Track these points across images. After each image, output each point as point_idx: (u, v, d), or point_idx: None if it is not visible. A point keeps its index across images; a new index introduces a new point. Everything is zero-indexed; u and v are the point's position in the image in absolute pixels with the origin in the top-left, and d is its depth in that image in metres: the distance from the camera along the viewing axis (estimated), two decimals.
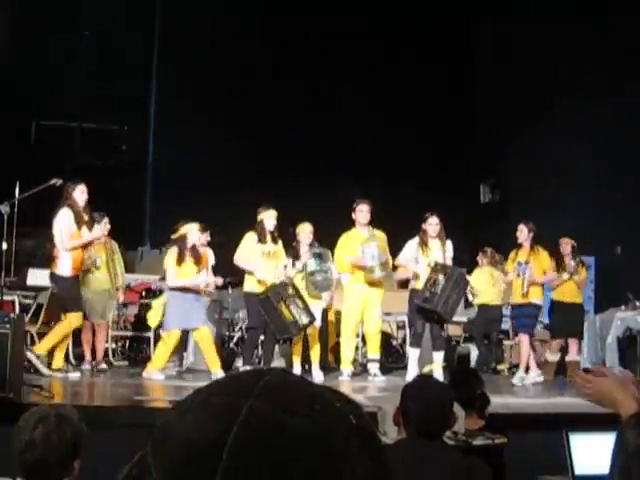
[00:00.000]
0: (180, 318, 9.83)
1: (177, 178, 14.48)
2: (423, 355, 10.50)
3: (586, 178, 13.53)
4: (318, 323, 10.39)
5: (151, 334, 11.15)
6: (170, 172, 14.54)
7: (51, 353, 9.52)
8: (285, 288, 9.91)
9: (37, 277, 11.75)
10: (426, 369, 10.33)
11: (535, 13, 14.44)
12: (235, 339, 11.75)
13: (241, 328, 11.63)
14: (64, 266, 9.37)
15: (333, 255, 10.49)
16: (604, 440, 4.06)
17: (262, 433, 0.91)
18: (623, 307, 11.83)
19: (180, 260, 9.92)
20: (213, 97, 14.88)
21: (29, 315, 10.17)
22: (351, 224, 10.68)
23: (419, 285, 10.28)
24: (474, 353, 12.01)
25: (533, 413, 7.71)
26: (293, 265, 10.39)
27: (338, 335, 11.41)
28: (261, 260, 10.28)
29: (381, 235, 10.58)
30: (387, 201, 12.00)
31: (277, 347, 11.07)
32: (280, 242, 10.49)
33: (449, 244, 10.53)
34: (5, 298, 10.66)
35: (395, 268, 10.87)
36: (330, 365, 11.11)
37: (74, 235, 9.38)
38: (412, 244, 10.50)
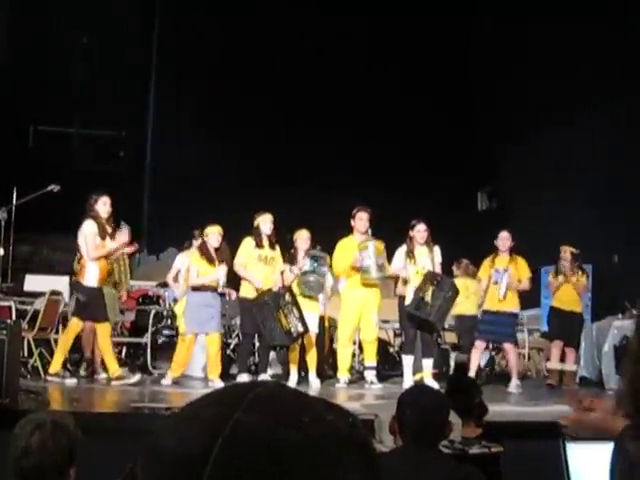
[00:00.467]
0: (196, 323, 9.96)
1: (175, 184, 14.49)
2: (417, 362, 10.53)
3: (583, 186, 13.54)
4: (315, 330, 10.39)
5: (148, 340, 11.15)
6: (168, 178, 14.56)
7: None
8: (283, 296, 9.93)
9: (34, 283, 11.76)
10: (417, 377, 10.34)
11: (533, 20, 14.46)
12: (232, 346, 11.75)
13: (238, 335, 11.63)
14: (90, 276, 9.55)
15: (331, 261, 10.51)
16: (601, 450, 4.06)
17: (249, 445, 0.90)
18: (620, 315, 11.83)
19: (201, 259, 10.09)
20: (211, 103, 14.88)
21: (26, 321, 10.14)
22: (349, 231, 10.69)
23: (409, 292, 10.32)
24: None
25: (529, 422, 7.70)
26: (290, 270, 10.40)
27: (332, 342, 11.42)
28: (259, 265, 10.32)
29: (378, 241, 10.58)
30: (385, 209, 11.98)
31: (274, 354, 11.07)
32: (278, 247, 10.51)
33: (437, 250, 10.58)
34: (1, 304, 10.70)
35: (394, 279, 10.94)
36: (327, 372, 11.10)
37: (99, 245, 9.52)
38: (400, 252, 10.54)
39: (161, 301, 12.14)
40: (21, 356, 9.76)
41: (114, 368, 9.70)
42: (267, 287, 10.19)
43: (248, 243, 10.40)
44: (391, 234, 10.78)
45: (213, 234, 10.18)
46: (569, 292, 11.32)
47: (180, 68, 15.21)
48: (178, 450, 0.93)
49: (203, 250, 10.13)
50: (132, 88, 15.20)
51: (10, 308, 10.64)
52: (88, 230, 9.50)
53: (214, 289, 10.17)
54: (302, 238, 10.49)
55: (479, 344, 10.80)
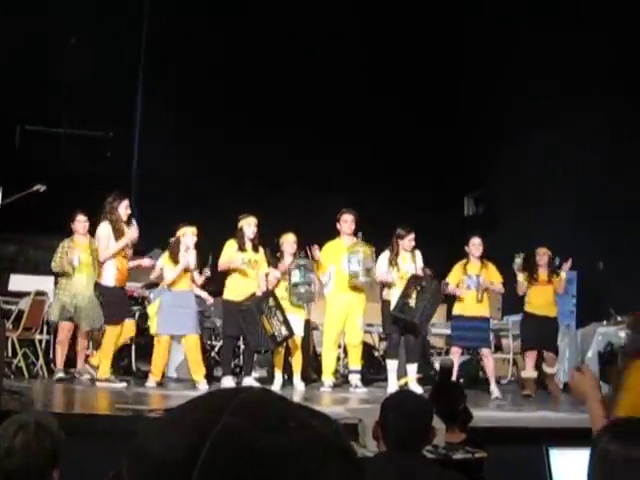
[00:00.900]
0: (170, 324, 9.93)
1: (161, 185, 14.46)
2: (401, 366, 10.55)
3: (569, 193, 13.58)
4: (300, 334, 10.40)
5: (132, 341, 11.13)
6: (154, 179, 14.52)
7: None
8: (266, 301, 9.93)
9: (19, 283, 11.73)
10: (401, 382, 10.36)
11: (524, 26, 14.49)
12: (217, 348, 11.74)
13: (222, 337, 11.62)
14: (107, 276, 9.88)
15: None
16: (584, 456, 4.07)
17: (233, 450, 0.90)
18: (605, 322, 11.86)
19: (175, 262, 10.06)
20: (199, 104, 14.86)
21: (10, 321, 10.11)
22: (336, 234, 10.71)
23: (393, 297, 10.35)
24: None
25: (513, 427, 7.72)
26: (275, 275, 10.41)
27: (316, 345, 11.44)
28: (242, 268, 10.31)
29: (366, 245, 10.60)
30: (371, 213, 11.99)
31: (258, 357, 11.07)
32: (261, 250, 10.50)
33: (419, 255, 10.65)
34: None
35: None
36: (311, 376, 11.10)
37: (114, 247, 9.83)
38: (383, 258, 10.57)
39: (146, 302, 12.10)
40: (5, 356, 9.74)
41: (105, 370, 9.78)
42: (250, 291, 10.19)
43: (231, 246, 10.40)
44: (377, 238, 10.80)
45: (187, 234, 10.15)
46: (543, 297, 11.03)
47: (168, 69, 15.18)
48: (164, 454, 0.93)
49: (171, 252, 10.10)
50: (120, 88, 15.15)
51: None
52: (102, 232, 9.84)
53: (189, 290, 10.14)
54: (288, 242, 10.49)
55: (455, 350, 10.80)
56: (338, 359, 11.28)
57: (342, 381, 11.10)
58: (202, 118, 14.80)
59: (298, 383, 10.33)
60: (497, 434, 6.79)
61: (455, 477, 3.46)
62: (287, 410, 0.97)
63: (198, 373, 9.99)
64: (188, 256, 10.07)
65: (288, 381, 10.46)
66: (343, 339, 10.91)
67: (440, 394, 5.26)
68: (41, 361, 10.34)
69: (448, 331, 11.64)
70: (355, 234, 10.62)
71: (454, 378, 10.20)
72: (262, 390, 1.03)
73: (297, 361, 10.45)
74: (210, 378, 10.21)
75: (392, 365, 10.52)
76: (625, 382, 3.50)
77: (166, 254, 10.21)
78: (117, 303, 9.93)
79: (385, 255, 10.58)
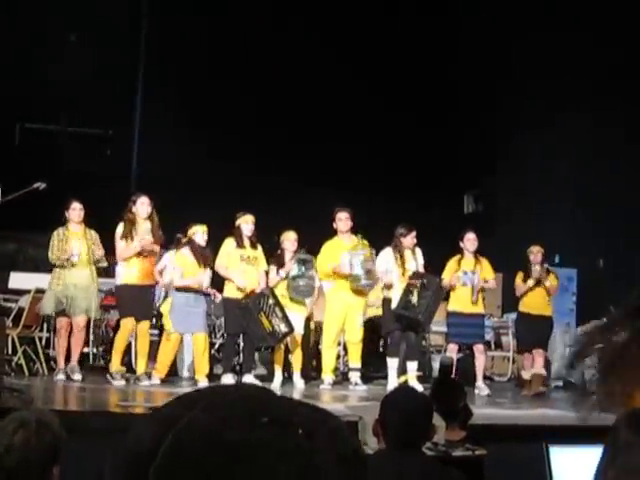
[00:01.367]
0: (181, 322, 9.94)
1: (161, 184, 14.44)
2: (401, 364, 10.55)
3: (569, 191, 13.59)
4: (300, 331, 10.40)
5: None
6: (154, 177, 14.50)
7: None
8: (266, 298, 9.93)
9: (19, 281, 11.73)
10: (401, 379, 10.36)
11: (524, 24, 14.49)
12: (217, 345, 11.74)
13: (223, 334, 11.62)
14: (119, 274, 10.03)
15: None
16: (584, 453, 4.06)
17: (195, 443, 0.91)
18: (604, 320, 11.85)
19: (185, 261, 10.08)
20: (198, 103, 14.86)
21: (10, 319, 10.11)
22: (332, 233, 10.71)
23: (393, 294, 10.35)
24: None
25: (513, 425, 7.72)
26: (277, 273, 10.40)
27: (318, 344, 11.43)
28: (240, 265, 10.31)
29: (367, 244, 10.61)
30: (371, 211, 12.02)
31: (258, 354, 11.07)
32: (260, 247, 10.51)
33: (419, 252, 10.65)
34: None
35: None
36: (311, 374, 11.10)
37: (125, 246, 9.94)
38: (384, 256, 10.56)
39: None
40: (5, 354, 9.74)
41: (116, 365, 9.90)
42: (249, 288, 10.19)
43: (229, 243, 10.41)
44: (377, 236, 10.80)
45: (199, 233, 10.17)
46: (538, 296, 10.97)
47: (168, 67, 15.17)
48: (133, 447, 0.95)
49: (193, 250, 10.12)
50: (119, 87, 15.16)
51: None
52: (116, 232, 9.96)
53: (199, 290, 10.17)
54: (289, 240, 10.50)
55: (452, 347, 10.80)
56: (338, 357, 11.28)
57: (342, 378, 11.10)
58: (201, 116, 14.80)
59: (298, 381, 10.33)
60: (497, 431, 6.79)
61: (455, 474, 3.46)
62: (268, 407, 0.96)
63: (201, 371, 10.03)
64: (203, 275, 10.10)
65: (288, 378, 10.46)
66: (343, 337, 10.91)
67: (440, 391, 5.26)
68: (41, 358, 10.34)
69: (446, 329, 11.60)
70: (352, 231, 10.62)
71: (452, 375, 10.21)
72: (253, 388, 1.03)
73: (297, 358, 10.45)
74: (210, 376, 10.22)
75: (392, 363, 10.51)
76: None
77: (180, 256, 10.18)
78: (128, 300, 9.94)
79: (385, 253, 10.57)
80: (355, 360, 10.69)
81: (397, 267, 10.44)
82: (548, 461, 3.99)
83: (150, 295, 10.25)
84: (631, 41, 12.66)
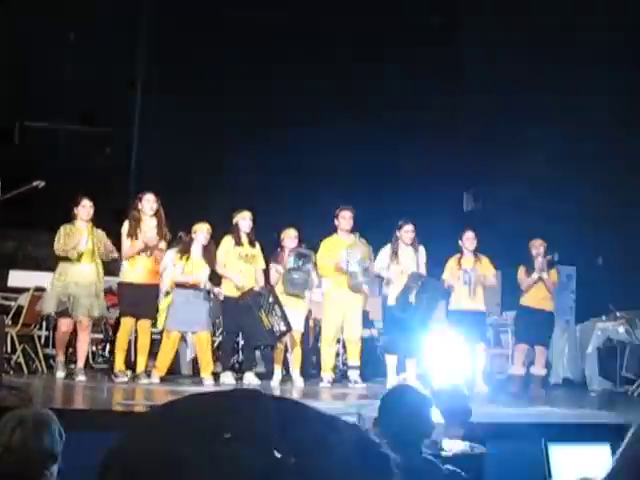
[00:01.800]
0: (181, 320, 9.92)
1: (160, 182, 14.43)
2: (400, 362, 10.55)
3: (568, 189, 13.57)
4: (300, 329, 10.40)
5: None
6: (154, 176, 14.49)
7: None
8: (266, 296, 9.93)
9: (18, 279, 11.73)
10: (400, 377, 10.37)
11: (521, 23, 14.48)
12: (216, 344, 11.74)
13: (222, 333, 11.62)
14: (122, 272, 10.09)
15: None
16: (582, 451, 4.07)
17: (148, 454, 0.91)
18: (604, 317, 11.85)
19: (186, 259, 10.06)
20: (198, 102, 14.85)
21: (9, 317, 10.11)
22: (334, 230, 10.72)
23: (391, 292, 10.35)
24: None
25: (512, 423, 7.72)
26: (277, 271, 10.40)
27: (317, 341, 11.43)
28: (239, 263, 10.31)
29: (365, 243, 10.62)
30: (370, 208, 12.01)
31: (258, 353, 11.07)
32: (258, 245, 10.51)
33: (422, 251, 10.63)
34: None
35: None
36: (310, 371, 11.11)
37: (130, 245, 9.98)
38: (384, 252, 10.57)
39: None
40: (4, 352, 9.74)
41: (119, 363, 9.93)
42: (248, 285, 10.18)
43: (227, 241, 10.41)
44: (376, 234, 10.80)
45: (202, 232, 10.17)
46: (540, 290, 10.87)
47: (168, 65, 15.15)
48: (109, 450, 0.96)
49: (188, 248, 10.11)
50: (119, 85, 15.15)
51: None
52: (122, 230, 10.01)
53: (200, 287, 10.17)
54: (290, 237, 10.50)
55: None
56: (337, 355, 11.28)
57: (341, 377, 11.10)
58: (201, 115, 14.79)
59: (297, 378, 10.33)
60: (496, 430, 6.79)
61: (454, 473, 3.46)
62: (238, 421, 0.95)
63: (206, 370, 10.03)
64: (202, 274, 10.09)
65: (287, 376, 10.46)
66: (342, 335, 10.91)
67: (439, 390, 5.26)
68: (40, 357, 10.34)
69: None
70: (351, 230, 10.64)
71: None
72: (249, 396, 1.02)
73: (296, 356, 10.45)
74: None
75: (391, 361, 10.52)
76: None
77: (175, 251, 10.18)
78: (129, 299, 9.96)
79: (386, 249, 10.58)
80: (354, 358, 10.69)
81: (394, 264, 10.45)
82: (547, 459, 4.00)
83: (154, 294, 10.21)
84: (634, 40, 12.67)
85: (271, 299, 9.92)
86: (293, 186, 14.51)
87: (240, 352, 11.27)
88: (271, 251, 10.66)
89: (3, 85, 13.87)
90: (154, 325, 10.41)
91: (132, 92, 15.84)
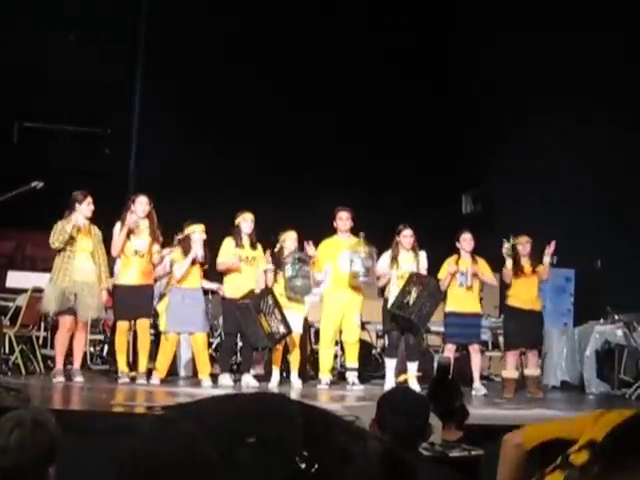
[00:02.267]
0: (178, 321, 9.93)
1: (159, 183, 14.43)
2: (399, 364, 10.54)
3: (568, 191, 13.57)
4: (299, 331, 10.40)
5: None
6: (152, 177, 14.49)
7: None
8: (265, 299, 9.93)
9: (16, 279, 11.73)
10: (401, 379, 10.37)
11: (520, 22, 14.48)
12: (214, 345, 11.75)
13: (220, 334, 11.63)
14: (117, 275, 10.14)
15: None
16: None
17: (169, 453, 0.90)
18: (602, 320, 11.85)
19: (182, 259, 10.08)
20: (198, 101, 14.86)
21: (7, 318, 10.11)
22: (332, 232, 10.73)
23: (391, 295, 10.35)
24: None
25: (510, 425, 7.70)
26: (276, 273, 10.40)
27: (315, 343, 11.44)
28: (239, 265, 10.31)
29: (367, 243, 10.62)
30: (370, 211, 12.01)
31: (256, 354, 11.06)
32: (260, 247, 10.51)
33: (423, 255, 10.61)
34: None
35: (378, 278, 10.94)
36: (308, 373, 11.10)
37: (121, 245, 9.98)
38: (385, 256, 10.57)
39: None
40: (2, 353, 9.74)
41: (122, 365, 9.95)
42: (248, 288, 10.19)
43: (228, 243, 10.41)
44: (374, 236, 10.80)
45: (196, 232, 10.17)
46: (528, 290, 10.66)
47: (166, 66, 15.15)
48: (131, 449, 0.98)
49: (187, 250, 10.11)
50: (118, 85, 15.14)
51: None
52: (114, 231, 9.99)
53: (198, 287, 10.17)
54: (291, 239, 10.50)
55: (450, 347, 10.75)
56: (335, 356, 11.28)
57: (339, 379, 11.09)
58: (200, 115, 14.80)
59: (295, 380, 10.33)
60: (494, 432, 6.78)
61: (452, 475, 3.45)
62: (261, 426, 0.94)
63: (204, 371, 10.04)
64: (197, 248, 10.08)
65: (286, 378, 10.46)
66: (340, 336, 10.91)
67: (437, 392, 5.25)
68: (38, 358, 10.33)
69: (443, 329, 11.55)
70: (352, 231, 10.64)
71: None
72: (275, 398, 1.01)
73: (295, 358, 10.45)
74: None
75: (390, 363, 10.52)
76: None
77: (176, 251, 10.18)
78: (123, 302, 9.95)
79: (387, 254, 10.58)
80: (352, 360, 10.69)
81: (394, 269, 10.45)
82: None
83: (149, 294, 10.22)
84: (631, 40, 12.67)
85: (270, 302, 9.92)
86: (293, 187, 14.50)
87: (238, 354, 11.27)
88: (270, 253, 10.65)
89: (2, 85, 13.86)
90: (155, 327, 10.44)
91: (131, 92, 15.83)
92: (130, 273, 9.93)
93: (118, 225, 9.99)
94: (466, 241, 10.76)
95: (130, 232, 9.92)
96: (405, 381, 10.27)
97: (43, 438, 3.08)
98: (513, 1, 14.64)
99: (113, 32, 14.65)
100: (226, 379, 10.05)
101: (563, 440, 2.79)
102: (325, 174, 14.64)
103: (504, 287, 11.08)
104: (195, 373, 10.52)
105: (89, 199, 9.90)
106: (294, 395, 9.37)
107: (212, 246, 10.46)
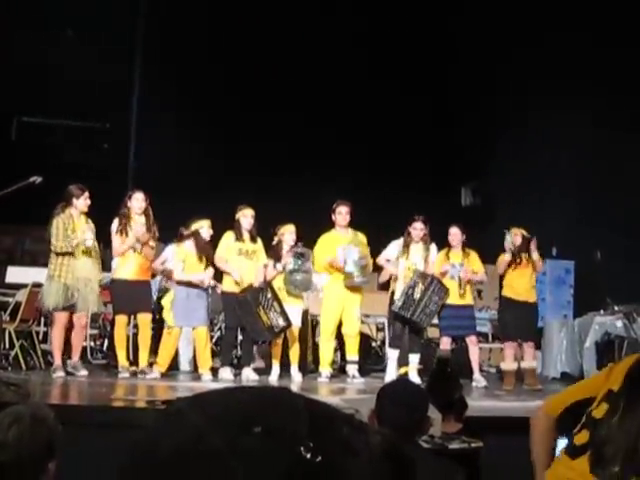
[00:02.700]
0: (183, 315, 9.96)
1: (159, 178, 14.45)
2: (402, 356, 10.54)
3: (568, 183, 13.58)
4: (298, 324, 10.41)
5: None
6: (152, 171, 14.50)
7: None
8: (264, 293, 9.95)
9: (16, 275, 11.73)
10: (402, 371, 10.37)
11: (519, 20, 14.48)
12: (214, 339, 11.75)
13: (220, 328, 11.64)
14: (115, 270, 10.15)
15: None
16: None
17: (174, 442, 0.91)
18: (602, 312, 11.86)
19: (186, 255, 10.11)
20: (197, 96, 14.85)
21: (7, 313, 10.11)
22: (331, 226, 10.72)
23: (398, 288, 10.34)
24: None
25: (510, 417, 7.72)
26: (274, 266, 10.40)
27: (315, 336, 11.44)
28: (239, 259, 10.32)
29: (362, 239, 10.62)
30: (368, 203, 12.01)
31: (256, 348, 11.08)
32: (260, 241, 10.52)
33: (433, 248, 10.61)
34: None
35: (377, 269, 10.94)
36: (309, 366, 11.11)
37: (121, 241, 10.01)
38: (395, 245, 10.56)
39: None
40: (2, 348, 9.75)
41: (122, 360, 9.97)
42: (248, 281, 10.20)
43: (228, 237, 10.43)
44: (373, 228, 10.80)
45: (204, 227, 10.21)
46: (523, 281, 10.62)
47: (166, 61, 15.14)
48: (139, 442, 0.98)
49: (197, 244, 10.13)
50: (117, 80, 15.13)
51: None
52: (111, 228, 10.02)
53: (199, 284, 10.18)
54: (289, 232, 10.51)
55: (445, 340, 10.74)
56: (335, 350, 11.28)
57: (339, 372, 11.09)
58: (199, 111, 14.78)
59: (295, 374, 10.34)
60: (494, 424, 6.79)
61: (451, 467, 3.46)
62: (267, 415, 0.95)
63: (205, 365, 10.07)
64: (205, 275, 10.13)
65: (286, 372, 10.47)
66: (340, 329, 10.91)
67: (436, 384, 5.26)
68: (38, 353, 10.33)
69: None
70: (350, 225, 10.64)
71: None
72: (277, 393, 1.02)
73: (294, 352, 10.46)
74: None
75: (393, 354, 10.51)
76: None
77: (182, 250, 10.17)
78: (122, 296, 9.96)
79: (398, 242, 10.56)
80: (352, 353, 10.69)
81: (404, 258, 10.46)
82: None
83: (148, 289, 10.24)
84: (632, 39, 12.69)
85: (269, 295, 9.93)
86: (292, 183, 14.49)
87: (238, 347, 11.28)
88: (268, 247, 10.66)
89: (0, 80, 13.85)
90: (159, 321, 10.47)
91: (130, 87, 15.82)
92: (128, 268, 9.95)
93: (116, 222, 10.00)
94: (453, 235, 10.76)
95: (126, 227, 9.94)
96: (405, 373, 10.27)
97: (41, 433, 3.08)
98: (513, 1, 14.63)
99: (112, 26, 14.64)
100: (226, 373, 10.06)
101: (585, 401, 2.96)
102: (324, 167, 14.62)
103: (499, 277, 11.08)
104: (195, 367, 10.53)
105: (86, 194, 9.90)
106: (294, 388, 9.37)
107: (214, 241, 10.47)
